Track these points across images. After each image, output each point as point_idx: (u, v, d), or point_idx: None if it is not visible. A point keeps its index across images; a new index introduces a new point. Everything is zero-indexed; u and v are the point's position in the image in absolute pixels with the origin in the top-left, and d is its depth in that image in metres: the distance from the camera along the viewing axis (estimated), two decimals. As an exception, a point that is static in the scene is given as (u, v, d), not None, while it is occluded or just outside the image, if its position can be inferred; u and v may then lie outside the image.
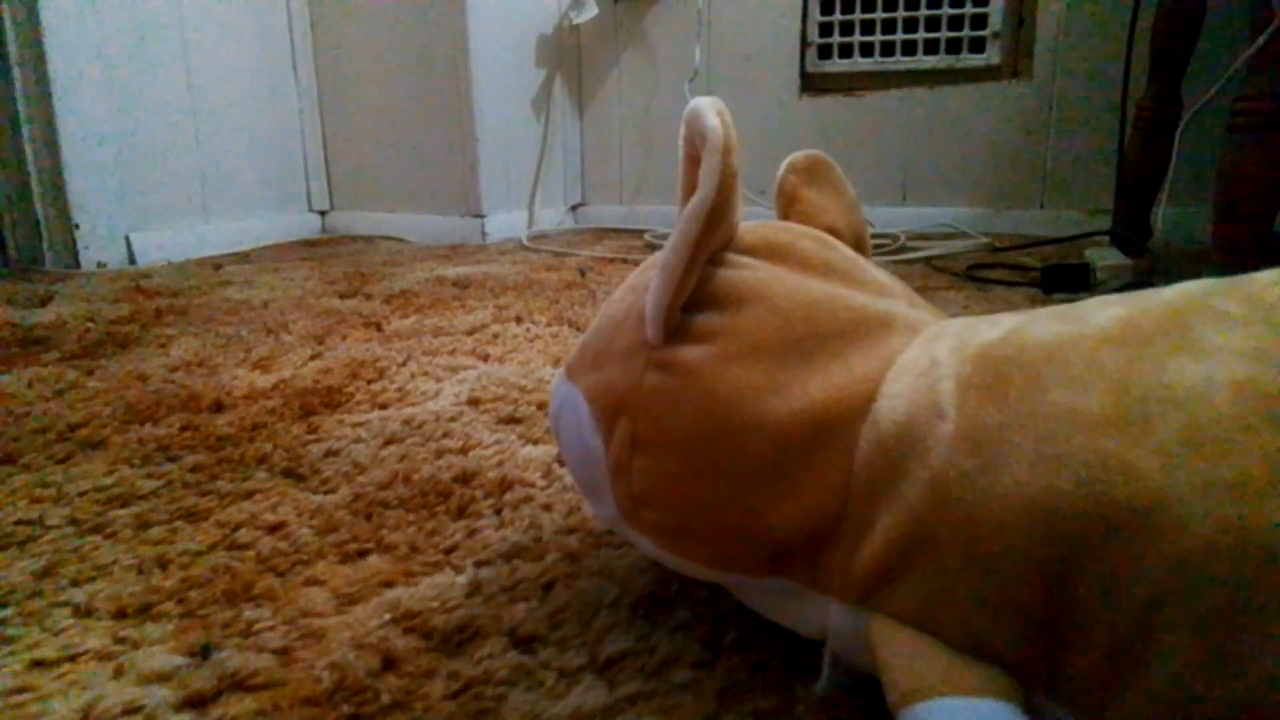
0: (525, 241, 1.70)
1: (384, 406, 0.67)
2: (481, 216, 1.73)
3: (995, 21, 1.67)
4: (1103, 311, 0.27)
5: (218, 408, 0.67)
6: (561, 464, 0.54)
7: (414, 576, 0.42)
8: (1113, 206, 1.34)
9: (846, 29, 1.79)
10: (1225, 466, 0.21)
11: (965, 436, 0.25)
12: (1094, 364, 0.25)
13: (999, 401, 0.25)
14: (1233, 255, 0.91)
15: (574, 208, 2.09)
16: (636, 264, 1.39)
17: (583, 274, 1.28)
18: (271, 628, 0.37)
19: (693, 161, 0.31)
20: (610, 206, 2.08)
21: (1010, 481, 0.24)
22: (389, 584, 0.41)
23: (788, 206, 0.40)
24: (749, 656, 0.34)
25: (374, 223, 1.88)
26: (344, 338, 0.90)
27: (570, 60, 2.01)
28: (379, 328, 0.95)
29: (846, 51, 1.80)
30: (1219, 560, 0.20)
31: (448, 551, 0.44)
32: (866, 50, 1.79)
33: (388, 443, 0.59)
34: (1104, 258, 1.10)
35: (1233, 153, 0.90)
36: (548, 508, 0.48)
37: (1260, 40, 0.86)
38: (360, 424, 0.63)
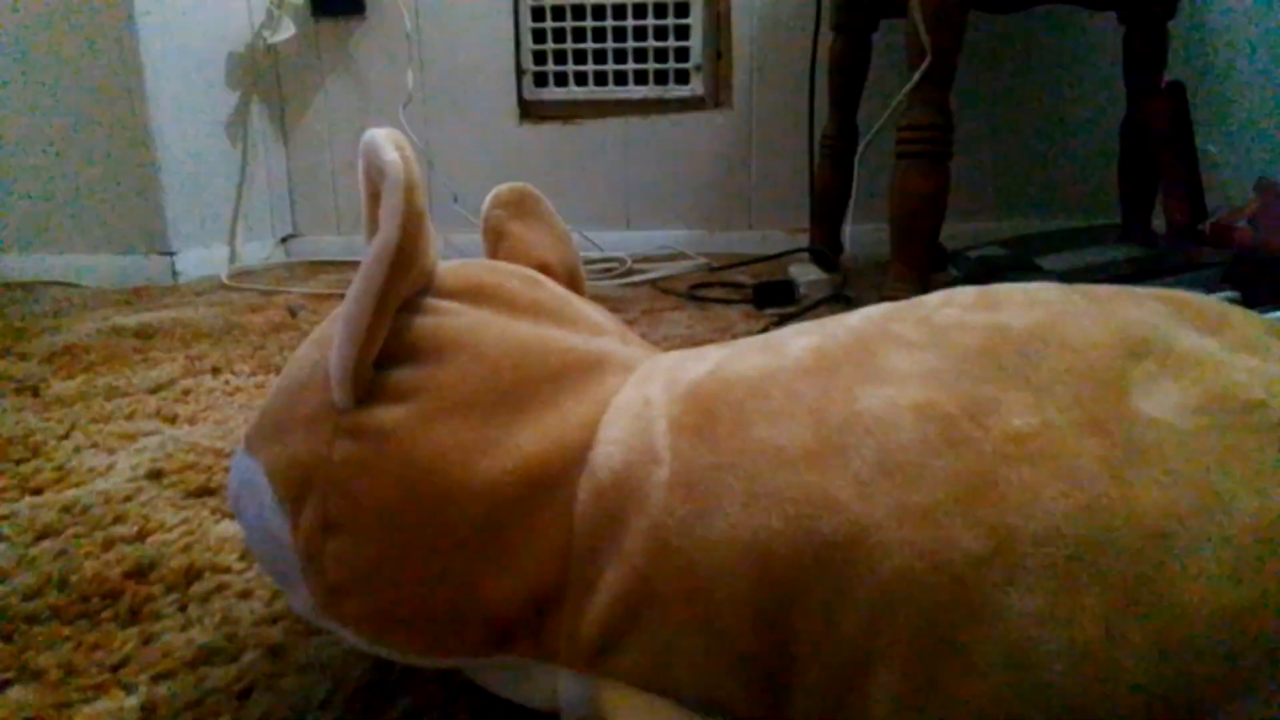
0: (226, 280, 1.53)
1: (37, 491, 0.56)
2: (170, 254, 1.54)
3: (696, 55, 1.78)
4: (797, 341, 0.28)
5: None
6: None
7: (68, 708, 0.34)
8: (809, 226, 1.47)
9: (560, 57, 1.82)
10: (915, 491, 0.22)
11: (680, 481, 0.25)
12: (793, 396, 0.25)
13: (710, 441, 0.25)
14: (909, 266, 1.02)
15: (285, 240, 1.93)
16: (357, 299, 1.31)
17: (293, 313, 1.17)
18: None
19: (376, 199, 0.28)
20: (326, 238, 1.95)
21: (725, 525, 0.24)
22: (35, 723, 0.33)
23: (495, 242, 0.37)
24: (483, 739, 0.31)
25: (37, 267, 1.60)
26: (-14, 408, 0.74)
27: (268, 82, 1.86)
28: (35, 393, 0.79)
29: (562, 80, 1.83)
30: (916, 587, 0.21)
31: (115, 668, 0.36)
32: (581, 79, 1.83)
33: (40, 537, 0.49)
34: (805, 274, 1.20)
35: (901, 176, 1.02)
36: (246, 595, 0.42)
37: (915, 77, 0.98)
38: (3, 517, 0.52)
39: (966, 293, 0.28)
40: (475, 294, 0.31)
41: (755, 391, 0.26)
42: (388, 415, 0.27)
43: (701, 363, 0.29)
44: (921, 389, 0.24)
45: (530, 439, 0.27)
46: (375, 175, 0.27)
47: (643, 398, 0.28)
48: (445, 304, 0.30)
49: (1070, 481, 0.21)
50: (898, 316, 0.27)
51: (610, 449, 0.27)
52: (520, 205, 0.38)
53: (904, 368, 0.25)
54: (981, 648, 0.20)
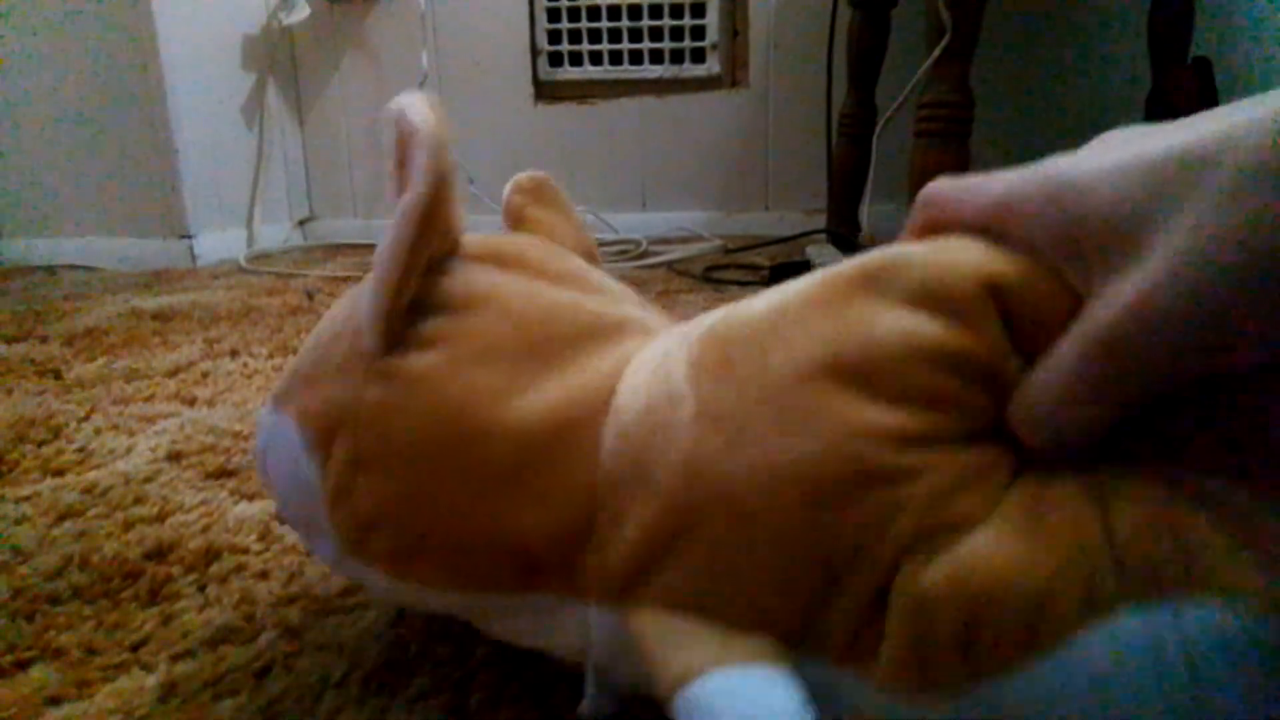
0: (244, 263, 1.54)
1: (59, 473, 0.56)
2: (189, 237, 1.55)
3: (713, 33, 1.76)
4: (801, 281, 0.28)
5: None
6: (283, 521, 0.48)
7: (89, 686, 0.34)
8: (826, 207, 1.46)
9: (575, 37, 1.81)
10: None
11: (706, 415, 0.25)
12: (803, 323, 0.26)
13: (730, 377, 0.26)
14: (925, 247, 1.01)
15: (302, 223, 1.94)
16: (373, 282, 1.31)
17: (310, 296, 1.18)
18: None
19: (403, 167, 0.28)
20: (343, 220, 1.95)
21: (755, 452, 0.24)
22: (55, 700, 0.34)
23: (516, 227, 0.38)
24: (498, 718, 0.31)
25: (56, 251, 1.61)
26: (9, 391, 0.75)
27: (284, 64, 1.86)
28: (57, 375, 0.80)
29: (577, 59, 1.82)
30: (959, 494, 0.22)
31: (135, 648, 0.37)
32: (596, 59, 1.81)
33: (61, 518, 0.49)
34: (822, 255, 1.18)
35: (920, 154, 1.00)
36: (264, 576, 0.42)
37: (935, 53, 0.97)
38: (26, 498, 0.52)
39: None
40: (499, 259, 0.32)
41: (767, 325, 0.27)
42: (419, 360, 0.28)
43: (708, 317, 0.30)
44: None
45: (556, 387, 0.28)
46: (405, 135, 0.28)
47: (661, 351, 0.29)
48: (472, 265, 0.31)
49: None
50: (891, 249, 0.28)
51: (632, 395, 0.28)
52: (538, 192, 0.38)
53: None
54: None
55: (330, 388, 0.29)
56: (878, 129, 1.27)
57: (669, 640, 0.25)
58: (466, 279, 0.30)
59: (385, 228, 0.28)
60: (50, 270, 1.57)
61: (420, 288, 0.29)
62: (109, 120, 1.53)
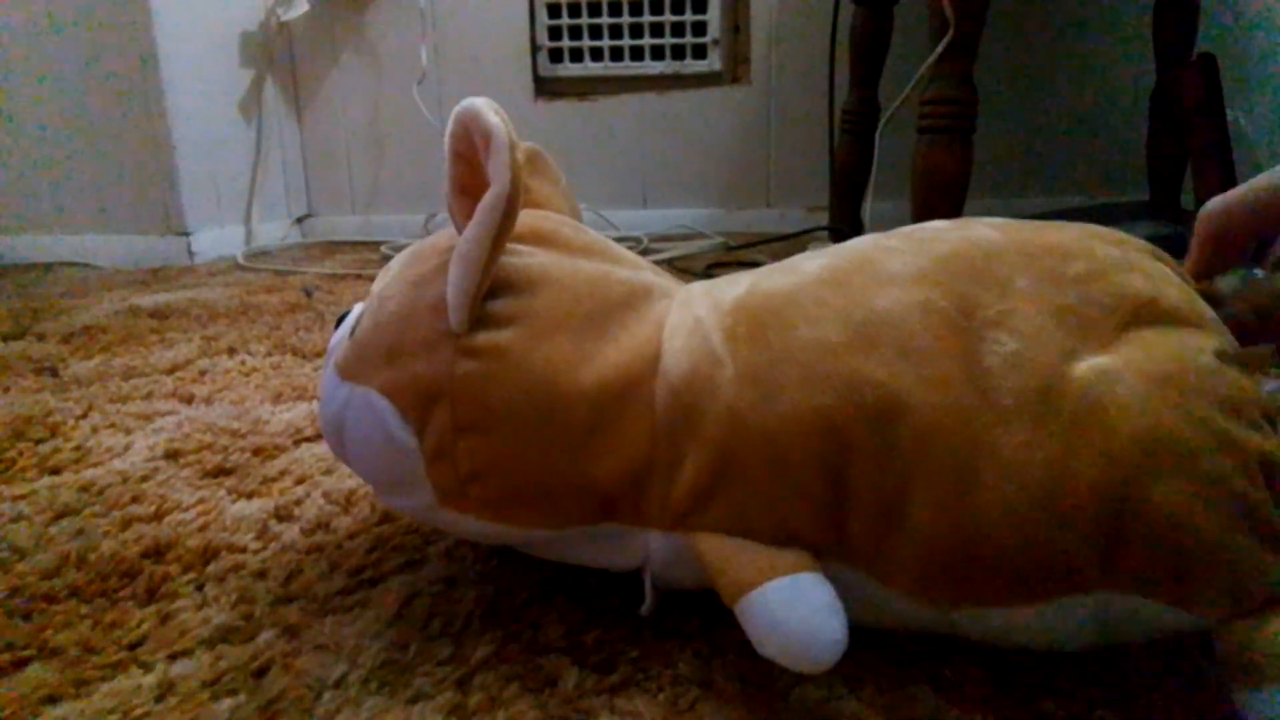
0: (241, 260, 1.53)
1: (56, 471, 0.56)
2: (186, 234, 1.54)
3: (714, 29, 1.75)
4: (810, 263, 0.35)
5: None
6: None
7: (87, 685, 0.34)
8: (828, 204, 1.45)
9: (575, 33, 1.80)
10: (928, 367, 0.30)
11: (745, 376, 0.32)
12: (821, 302, 0.32)
13: (762, 344, 0.32)
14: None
15: (300, 220, 1.93)
16: (371, 279, 1.30)
17: (309, 294, 1.17)
18: None
19: (461, 159, 0.33)
20: (341, 217, 1.95)
21: (789, 404, 0.31)
22: (53, 699, 0.33)
23: None
24: (497, 718, 0.31)
25: (53, 247, 1.61)
26: (6, 389, 0.75)
27: (282, 60, 1.85)
28: (54, 373, 0.80)
29: (577, 56, 1.81)
30: (940, 432, 0.29)
31: (133, 646, 0.36)
32: (596, 55, 1.81)
33: (58, 517, 0.49)
34: (823, 251, 1.18)
35: (923, 151, 1.00)
36: (262, 575, 0.42)
37: (938, 50, 0.96)
38: (22, 496, 0.52)
39: (940, 221, 0.36)
40: (538, 238, 0.37)
41: (790, 302, 0.33)
42: (500, 337, 0.33)
43: (734, 287, 0.36)
44: (920, 290, 0.31)
45: (614, 353, 0.33)
46: (478, 138, 0.32)
47: (692, 317, 0.35)
48: (521, 247, 0.36)
49: (1033, 348, 0.29)
50: (885, 236, 0.35)
51: (676, 357, 0.33)
52: (533, 164, 0.42)
53: (899, 269, 0.32)
54: (987, 466, 0.28)
55: (418, 364, 0.33)
56: (880, 126, 1.26)
57: (726, 558, 0.31)
58: (524, 262, 0.35)
59: (473, 217, 0.32)
60: (47, 267, 1.56)
61: None
62: (106, 116, 1.52)
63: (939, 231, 0.34)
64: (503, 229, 0.32)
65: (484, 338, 0.33)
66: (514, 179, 0.31)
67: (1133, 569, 0.28)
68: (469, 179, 0.33)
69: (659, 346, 0.34)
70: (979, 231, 0.34)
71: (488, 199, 0.31)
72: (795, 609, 0.29)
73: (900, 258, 0.33)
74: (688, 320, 0.34)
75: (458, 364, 0.33)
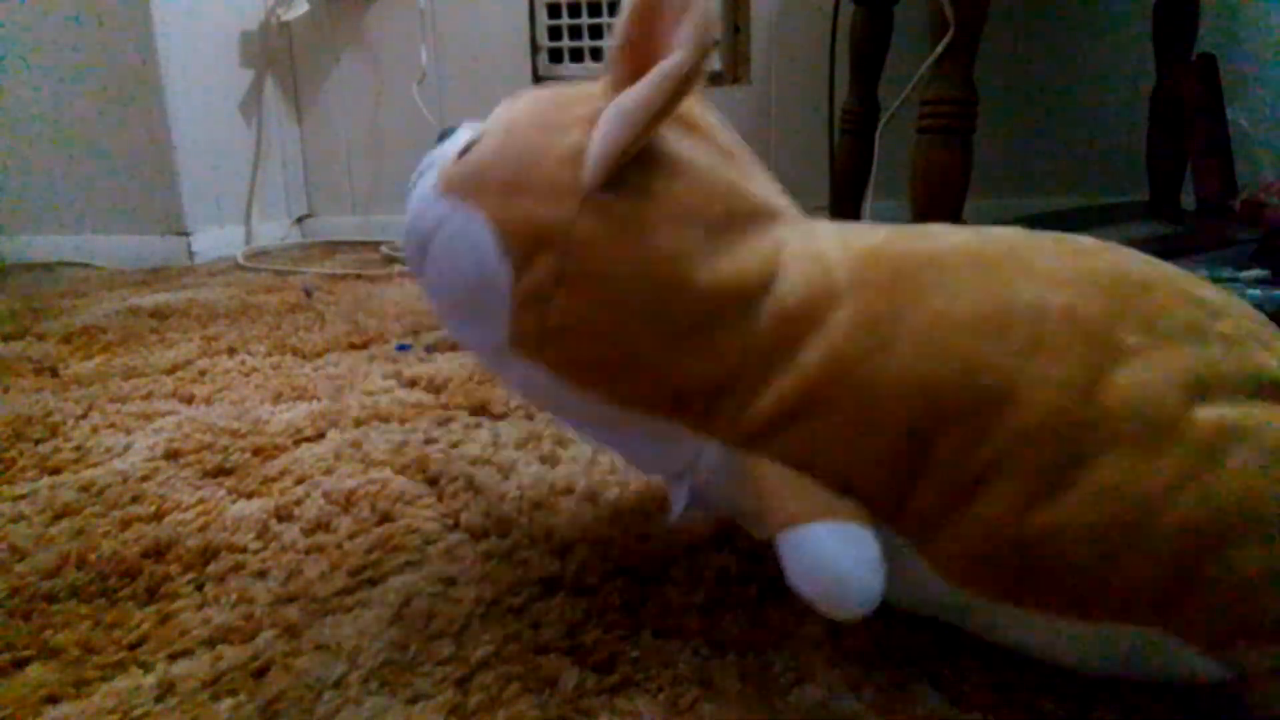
0: (241, 260, 1.53)
1: (56, 471, 0.56)
2: (186, 234, 1.54)
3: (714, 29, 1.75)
4: (950, 235, 0.34)
5: None
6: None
7: (87, 685, 0.34)
8: (828, 204, 1.45)
9: (575, 33, 1.80)
10: (1057, 368, 0.29)
11: (861, 322, 0.31)
12: (959, 277, 0.32)
13: (889, 297, 0.32)
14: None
15: (300, 220, 1.93)
16: (371, 279, 1.30)
17: (308, 294, 1.17)
18: None
19: (630, 44, 0.33)
20: (341, 217, 1.94)
21: (898, 364, 0.30)
22: (53, 699, 0.33)
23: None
24: (497, 718, 0.31)
25: (54, 247, 1.61)
26: (6, 389, 0.75)
27: (282, 61, 1.85)
28: (54, 373, 0.80)
29: (577, 56, 1.81)
30: (1044, 435, 0.29)
31: (133, 647, 0.36)
32: (596, 55, 1.80)
33: (58, 517, 0.49)
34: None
35: (923, 151, 1.00)
36: (262, 574, 0.42)
37: (938, 49, 0.96)
38: (22, 496, 0.52)
39: (1086, 238, 0.35)
40: (689, 125, 0.36)
41: (929, 265, 0.33)
42: (630, 206, 0.32)
43: (868, 234, 0.35)
44: (1066, 293, 0.31)
45: (734, 260, 0.33)
46: (674, 8, 0.31)
47: (815, 250, 0.34)
48: (672, 129, 0.35)
49: (1162, 385, 0.29)
50: (1031, 234, 0.35)
51: (793, 284, 0.33)
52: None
53: (1052, 267, 0.32)
54: (1083, 479, 0.28)
55: (536, 204, 0.33)
56: (880, 126, 1.26)
57: (784, 486, 0.31)
58: (666, 143, 0.34)
59: (645, 79, 0.31)
60: (48, 267, 1.56)
61: None
62: (107, 117, 1.52)
63: (1092, 245, 0.34)
64: (673, 98, 0.31)
65: (615, 202, 0.32)
66: (702, 52, 0.30)
67: (1192, 615, 0.28)
68: (640, 37, 0.32)
69: (775, 268, 0.33)
70: (1132, 260, 0.34)
71: (669, 64, 0.30)
72: (843, 554, 0.29)
73: (1052, 259, 0.33)
74: (809, 253, 0.34)
75: (581, 218, 0.32)
